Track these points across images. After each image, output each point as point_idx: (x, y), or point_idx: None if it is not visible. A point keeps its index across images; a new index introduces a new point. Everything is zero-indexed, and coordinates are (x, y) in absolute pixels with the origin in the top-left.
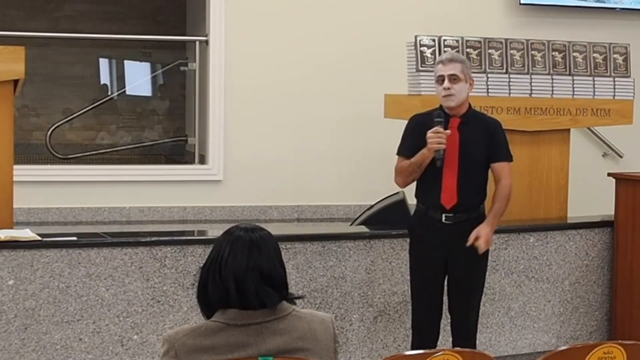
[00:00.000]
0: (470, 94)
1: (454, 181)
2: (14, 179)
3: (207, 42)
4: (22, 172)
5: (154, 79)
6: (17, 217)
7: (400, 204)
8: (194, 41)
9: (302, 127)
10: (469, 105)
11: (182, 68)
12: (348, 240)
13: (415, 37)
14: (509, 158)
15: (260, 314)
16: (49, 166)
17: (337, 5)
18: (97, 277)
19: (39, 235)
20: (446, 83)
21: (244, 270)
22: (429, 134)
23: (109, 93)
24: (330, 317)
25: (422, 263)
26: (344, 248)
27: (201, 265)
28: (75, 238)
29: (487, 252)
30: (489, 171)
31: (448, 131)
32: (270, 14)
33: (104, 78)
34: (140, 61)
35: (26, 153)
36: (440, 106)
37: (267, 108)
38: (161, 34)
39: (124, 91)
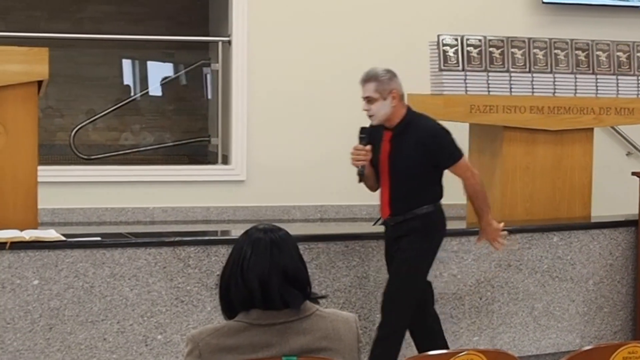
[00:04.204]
0: (393, 106)
1: (386, 193)
2: (39, 179)
3: (229, 42)
4: (47, 172)
5: (176, 80)
6: (42, 217)
7: None
8: (217, 42)
9: (325, 127)
10: (407, 113)
11: (204, 69)
12: (371, 240)
13: (438, 36)
14: (456, 158)
15: (283, 313)
16: (72, 167)
17: (360, 6)
18: (121, 277)
19: (64, 235)
20: (364, 105)
21: (267, 271)
22: (352, 150)
23: (132, 94)
24: (353, 317)
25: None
26: (367, 248)
27: (222, 266)
28: (99, 238)
29: (415, 254)
30: (431, 174)
31: (368, 147)
32: (293, 15)
33: (127, 79)
34: (163, 62)
35: (50, 154)
36: None
37: (290, 108)
38: (184, 35)
39: (147, 92)
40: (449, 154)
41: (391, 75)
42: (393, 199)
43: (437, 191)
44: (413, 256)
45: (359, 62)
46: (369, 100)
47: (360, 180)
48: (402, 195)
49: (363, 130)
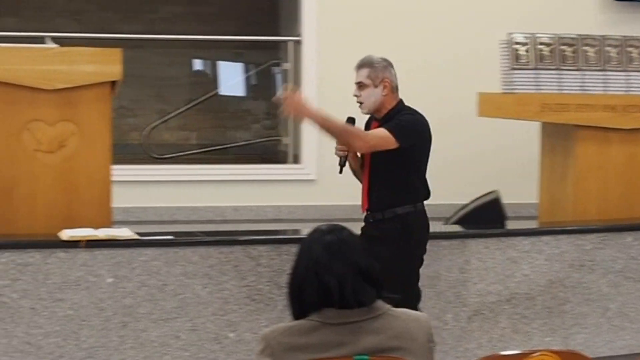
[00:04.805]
0: (383, 95)
1: (366, 186)
2: (112, 178)
3: (300, 42)
4: (120, 172)
5: (247, 79)
6: (116, 216)
7: (494, 202)
8: (287, 41)
9: None
10: (397, 104)
11: (274, 68)
12: (442, 240)
13: (509, 35)
14: (389, 127)
15: (355, 312)
16: (145, 166)
17: (430, 4)
18: (193, 276)
19: (137, 234)
20: (355, 91)
21: (344, 270)
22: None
23: (203, 93)
24: (425, 317)
25: None
26: (438, 247)
27: (292, 266)
28: (172, 237)
29: (396, 265)
30: (408, 172)
31: None
32: (364, 14)
33: (198, 79)
34: (233, 62)
35: (123, 153)
36: None
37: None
38: (254, 35)
39: (218, 91)
40: (396, 125)
41: (387, 64)
42: (371, 192)
43: (419, 191)
44: (396, 270)
45: (429, 61)
46: (359, 86)
47: (340, 172)
48: (380, 189)
49: (349, 119)
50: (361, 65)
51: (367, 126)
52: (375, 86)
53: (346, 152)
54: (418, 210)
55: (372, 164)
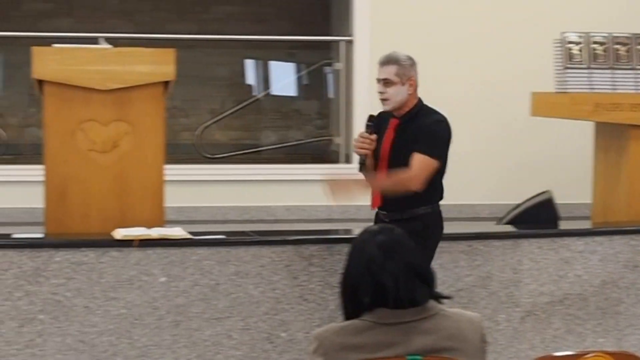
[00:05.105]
0: (409, 93)
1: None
2: (165, 178)
3: (352, 41)
4: (173, 171)
5: (298, 79)
6: (168, 215)
7: (547, 202)
8: (339, 41)
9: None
10: (417, 104)
11: (326, 68)
12: (495, 240)
13: (563, 34)
14: (425, 151)
15: (408, 312)
16: (197, 166)
17: (483, 4)
18: (245, 275)
19: (190, 233)
20: (380, 87)
21: (397, 269)
22: (356, 137)
23: (255, 93)
24: (478, 317)
25: None
26: (490, 247)
27: (344, 266)
28: (224, 236)
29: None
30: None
31: (374, 136)
32: (416, 14)
33: (250, 78)
34: (285, 61)
35: (175, 153)
36: None
37: None
38: (306, 34)
39: (269, 91)
40: (429, 145)
41: (412, 62)
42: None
43: (437, 192)
44: None
45: (483, 61)
46: (386, 82)
47: (360, 170)
48: None
49: (371, 118)
50: (387, 61)
51: (383, 122)
52: (403, 84)
53: (368, 150)
54: (436, 211)
55: (392, 163)
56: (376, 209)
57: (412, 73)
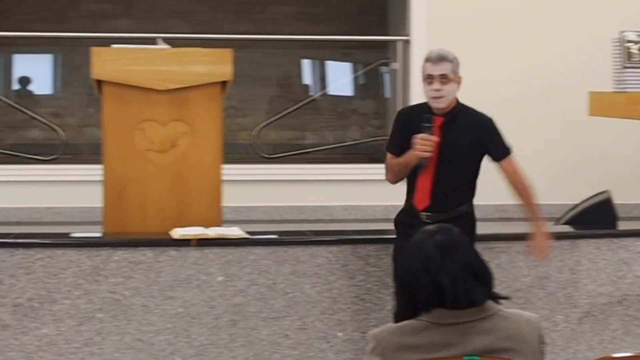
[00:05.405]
0: (457, 91)
1: (428, 182)
2: (223, 178)
3: (409, 41)
4: (230, 171)
5: (355, 79)
6: (226, 215)
7: (606, 203)
8: (396, 41)
9: (506, 126)
10: (457, 102)
11: (382, 68)
12: (553, 240)
13: (621, 32)
14: (508, 152)
15: (466, 313)
16: (254, 165)
17: (540, 3)
18: (302, 275)
19: (247, 232)
20: (437, 84)
21: (455, 269)
22: (417, 139)
23: (312, 93)
24: (536, 318)
25: None
26: None
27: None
28: (281, 236)
29: None
30: (477, 169)
31: (436, 138)
32: (473, 13)
33: (307, 78)
34: (342, 61)
35: (233, 153)
36: (426, 101)
37: (470, 105)
38: (362, 34)
39: (326, 91)
40: (503, 145)
41: (458, 61)
42: (436, 190)
43: (474, 190)
44: None
45: (540, 61)
46: (444, 79)
47: (420, 172)
48: (447, 187)
49: (429, 119)
50: (442, 58)
51: (426, 121)
52: (455, 82)
53: (431, 153)
54: (473, 209)
55: (442, 161)
56: (418, 210)
57: (459, 71)
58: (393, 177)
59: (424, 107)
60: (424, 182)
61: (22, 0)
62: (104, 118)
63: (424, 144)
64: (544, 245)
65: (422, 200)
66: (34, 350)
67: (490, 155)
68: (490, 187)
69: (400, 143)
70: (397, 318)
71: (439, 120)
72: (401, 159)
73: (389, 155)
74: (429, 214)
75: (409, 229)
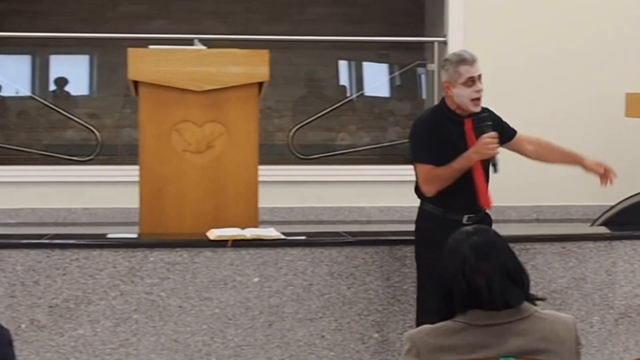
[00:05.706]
0: None
1: (483, 182)
2: (259, 179)
3: (445, 42)
4: (266, 172)
5: (392, 80)
6: (262, 216)
7: None
8: (433, 42)
9: (542, 126)
10: None
11: (419, 69)
12: (589, 241)
13: None
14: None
15: (502, 314)
16: (291, 166)
17: (578, 7)
18: (338, 276)
19: (283, 233)
20: (478, 85)
21: (491, 271)
22: (486, 139)
23: (348, 94)
24: (572, 319)
25: None
26: (584, 249)
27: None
28: (317, 237)
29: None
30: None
31: (495, 133)
32: (509, 14)
33: (343, 79)
34: (378, 62)
35: (269, 154)
36: (440, 106)
37: (506, 107)
38: (399, 35)
39: (363, 92)
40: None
41: None
42: (487, 189)
43: None
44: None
45: (578, 65)
46: (480, 79)
47: (495, 171)
48: (487, 185)
49: (486, 117)
50: (475, 58)
51: (484, 121)
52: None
53: (498, 150)
54: None
55: (484, 160)
56: (458, 213)
57: None
58: (440, 186)
59: (444, 111)
60: (480, 182)
61: (59, 2)
62: (141, 119)
63: (492, 142)
64: (604, 166)
65: (487, 200)
66: (70, 351)
67: (508, 136)
68: (527, 189)
69: (437, 154)
70: (420, 321)
71: (469, 122)
72: (455, 165)
73: (427, 167)
74: (472, 215)
75: (442, 235)
